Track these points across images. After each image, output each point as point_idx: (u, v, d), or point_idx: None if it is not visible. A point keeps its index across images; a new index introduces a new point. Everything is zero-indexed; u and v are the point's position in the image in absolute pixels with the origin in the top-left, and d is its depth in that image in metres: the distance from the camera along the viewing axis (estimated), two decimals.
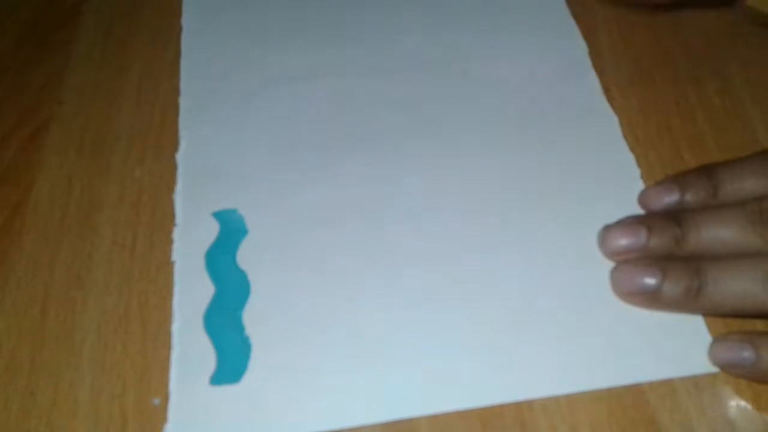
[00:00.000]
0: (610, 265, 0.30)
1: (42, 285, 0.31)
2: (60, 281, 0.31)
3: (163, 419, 0.27)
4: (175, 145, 0.35)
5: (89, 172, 0.35)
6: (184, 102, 0.37)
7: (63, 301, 0.30)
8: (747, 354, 0.26)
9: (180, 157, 0.35)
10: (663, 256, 0.28)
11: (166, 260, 0.31)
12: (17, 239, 0.33)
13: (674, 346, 0.28)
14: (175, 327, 0.29)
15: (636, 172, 0.33)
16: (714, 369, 0.27)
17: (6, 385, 0.28)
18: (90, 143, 0.36)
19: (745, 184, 0.29)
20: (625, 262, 0.29)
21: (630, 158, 0.34)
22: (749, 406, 0.27)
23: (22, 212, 0.34)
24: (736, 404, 0.27)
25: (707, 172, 0.30)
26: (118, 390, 0.28)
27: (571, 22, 0.39)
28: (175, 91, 0.38)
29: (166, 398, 0.28)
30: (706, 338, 0.28)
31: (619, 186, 0.32)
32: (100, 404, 0.28)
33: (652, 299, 0.28)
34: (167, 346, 0.29)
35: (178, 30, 0.41)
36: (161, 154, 0.35)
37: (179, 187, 0.34)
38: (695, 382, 0.27)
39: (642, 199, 0.31)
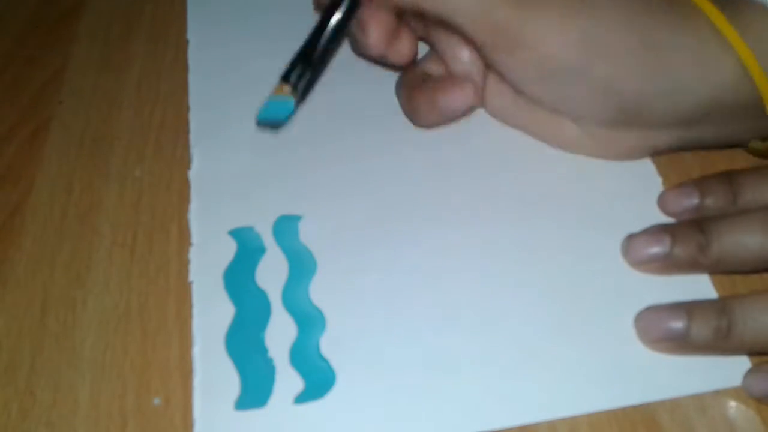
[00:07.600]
0: (632, 276, 0.29)
1: (42, 285, 0.31)
2: (60, 281, 0.31)
3: (164, 419, 0.27)
4: (175, 145, 0.35)
5: (89, 172, 0.35)
6: (193, 118, 0.36)
7: (63, 300, 0.30)
8: None
9: (192, 174, 0.34)
10: (687, 264, 0.28)
11: (166, 260, 0.31)
12: (17, 239, 0.33)
13: (707, 360, 0.27)
14: (196, 350, 0.28)
15: (657, 180, 0.33)
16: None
17: (6, 385, 0.28)
18: (90, 143, 0.36)
19: (766, 191, 0.29)
20: (647, 308, 0.28)
21: (651, 168, 0.33)
22: (749, 406, 0.27)
23: (22, 212, 0.34)
24: (736, 404, 0.27)
25: (728, 177, 0.30)
26: (118, 390, 0.28)
27: None
28: (175, 91, 0.38)
29: (166, 398, 0.28)
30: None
31: (640, 195, 0.32)
32: (100, 404, 0.28)
33: (681, 344, 0.27)
34: (167, 346, 0.29)
35: (178, 30, 0.41)
36: (161, 154, 0.35)
37: (193, 206, 0.33)
38: None
39: (661, 202, 0.31)
